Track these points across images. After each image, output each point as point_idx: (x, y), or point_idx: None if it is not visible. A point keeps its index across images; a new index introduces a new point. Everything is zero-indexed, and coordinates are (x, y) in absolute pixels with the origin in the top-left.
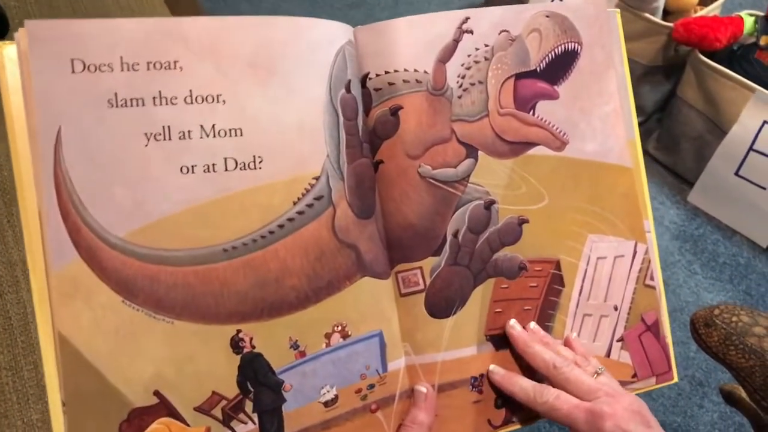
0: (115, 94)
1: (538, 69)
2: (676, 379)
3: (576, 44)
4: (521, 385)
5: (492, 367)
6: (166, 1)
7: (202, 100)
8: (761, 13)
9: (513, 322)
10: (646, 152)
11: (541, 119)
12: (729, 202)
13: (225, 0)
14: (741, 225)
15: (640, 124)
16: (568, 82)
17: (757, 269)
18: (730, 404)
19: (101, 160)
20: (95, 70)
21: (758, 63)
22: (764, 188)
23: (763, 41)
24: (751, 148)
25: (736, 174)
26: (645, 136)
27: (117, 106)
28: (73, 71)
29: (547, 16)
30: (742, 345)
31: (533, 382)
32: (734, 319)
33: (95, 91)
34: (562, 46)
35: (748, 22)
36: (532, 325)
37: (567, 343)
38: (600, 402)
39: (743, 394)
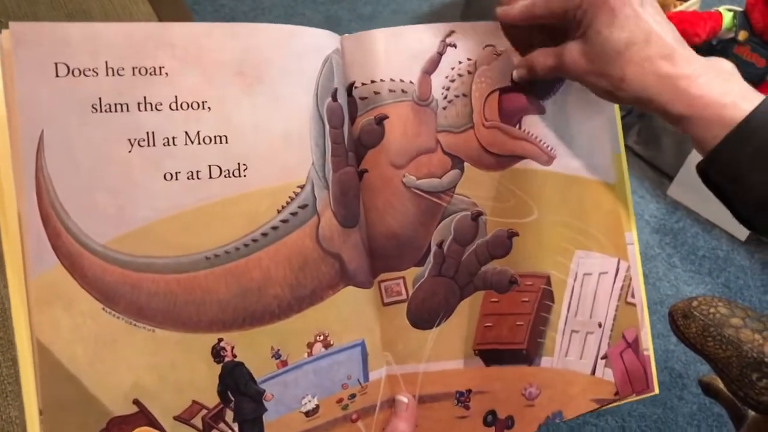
0: (100, 99)
1: (524, 84)
2: (656, 391)
3: None
4: None
5: None
6: None
7: (188, 107)
8: (740, 9)
9: None
10: (626, 147)
11: (528, 133)
12: (708, 195)
13: None
14: (720, 218)
15: (620, 119)
16: (557, 97)
17: (736, 262)
18: (708, 396)
19: (84, 165)
20: (79, 74)
21: (737, 58)
22: None
23: (741, 36)
24: None
25: None
26: (625, 130)
27: (101, 111)
28: (57, 75)
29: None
30: (720, 336)
31: None
32: (712, 310)
33: (79, 96)
34: None
35: (727, 18)
36: None
37: None
38: None
39: (721, 386)
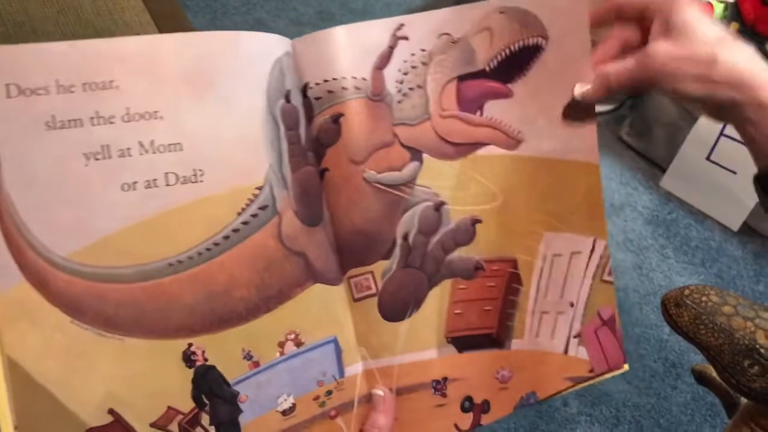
0: (53, 117)
1: (487, 68)
2: (626, 368)
3: (539, 39)
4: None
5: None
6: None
7: (140, 117)
8: (731, 0)
9: None
10: (619, 138)
11: (491, 119)
12: (701, 186)
13: None
14: (712, 209)
15: (612, 111)
16: (527, 78)
17: (728, 252)
18: (701, 384)
19: (42, 182)
20: (31, 93)
21: None
22: (735, 173)
23: (732, 27)
24: (721, 134)
25: (708, 159)
26: (618, 122)
27: (55, 128)
28: (9, 96)
29: (502, 12)
30: (712, 324)
31: None
32: (704, 298)
33: (32, 115)
34: (520, 42)
35: (718, 9)
36: None
37: None
38: None
39: (714, 374)
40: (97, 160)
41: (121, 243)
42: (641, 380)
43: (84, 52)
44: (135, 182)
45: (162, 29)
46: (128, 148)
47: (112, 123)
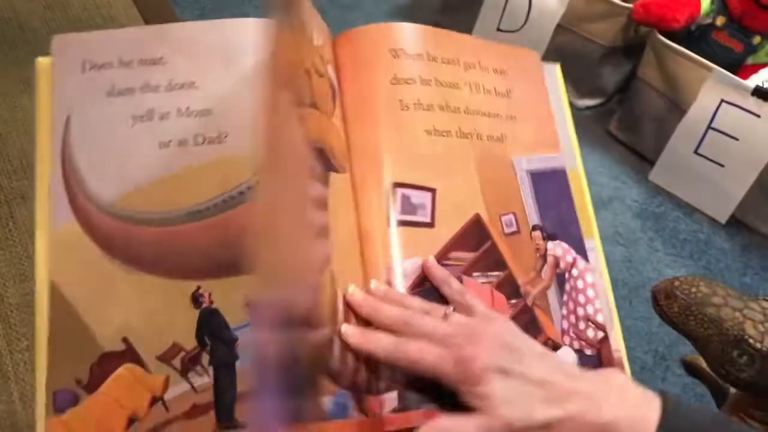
0: (113, 86)
1: None
2: None
3: None
4: (380, 343)
5: (344, 328)
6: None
7: (180, 87)
8: None
9: (351, 289)
10: (607, 132)
11: None
12: (689, 179)
13: None
14: (701, 202)
15: (601, 105)
16: None
17: (716, 245)
18: (691, 375)
19: (97, 138)
20: (99, 68)
21: (715, 43)
22: (723, 166)
23: (719, 21)
24: (709, 127)
25: (696, 152)
26: (606, 116)
27: (113, 95)
28: (84, 71)
29: None
30: (701, 315)
31: (394, 338)
32: (693, 289)
33: (98, 84)
34: None
35: (705, 3)
36: (373, 284)
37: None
38: (460, 347)
39: (704, 365)
40: (142, 121)
41: (152, 192)
42: (631, 372)
43: (143, 35)
44: (170, 141)
45: (149, 24)
46: (167, 113)
47: (157, 92)
